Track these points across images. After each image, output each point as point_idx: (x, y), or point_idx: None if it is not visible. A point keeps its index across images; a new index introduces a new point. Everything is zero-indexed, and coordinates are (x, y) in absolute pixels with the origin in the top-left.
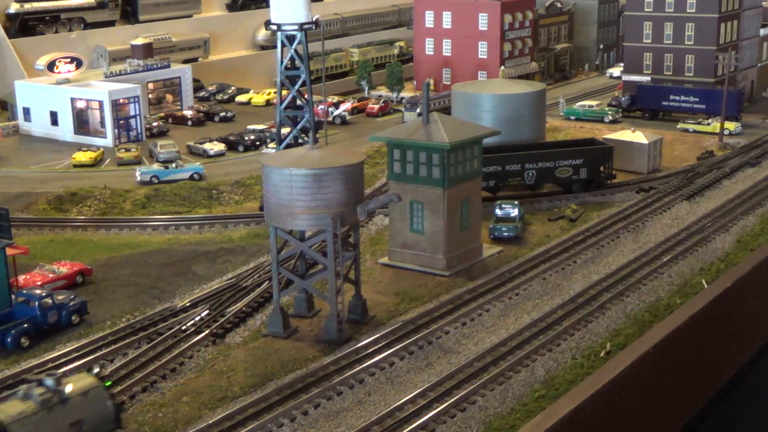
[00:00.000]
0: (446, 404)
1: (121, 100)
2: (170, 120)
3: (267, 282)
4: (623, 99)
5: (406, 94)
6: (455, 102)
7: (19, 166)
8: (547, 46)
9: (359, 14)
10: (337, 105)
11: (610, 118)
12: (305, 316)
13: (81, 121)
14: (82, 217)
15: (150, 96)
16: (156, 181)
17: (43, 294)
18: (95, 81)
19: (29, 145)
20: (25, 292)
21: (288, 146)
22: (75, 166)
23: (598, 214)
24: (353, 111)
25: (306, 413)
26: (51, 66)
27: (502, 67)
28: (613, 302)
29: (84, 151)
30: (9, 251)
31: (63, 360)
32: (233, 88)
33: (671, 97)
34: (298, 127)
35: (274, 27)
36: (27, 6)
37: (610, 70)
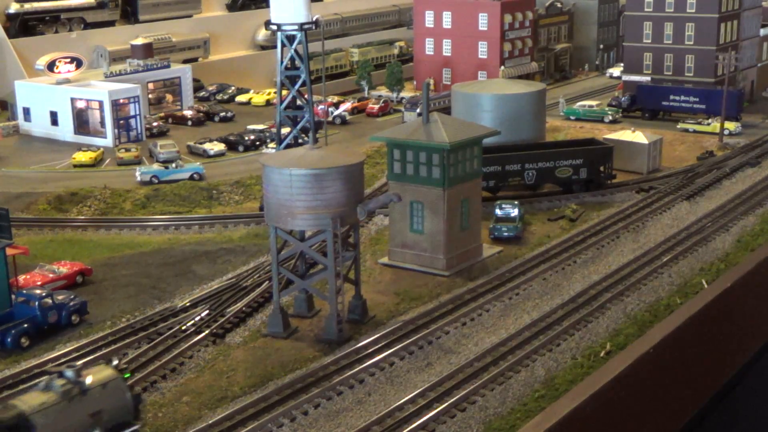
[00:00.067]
0: (446, 404)
1: (121, 100)
2: (170, 120)
3: (267, 282)
4: (623, 99)
5: (406, 94)
6: (455, 102)
7: (19, 166)
8: (547, 46)
9: (359, 14)
10: (337, 105)
11: (610, 118)
12: (305, 316)
13: (81, 121)
14: (82, 217)
15: (150, 96)
16: (156, 181)
17: (43, 294)
18: (95, 81)
19: (29, 145)
20: (25, 292)
21: (288, 146)
22: (75, 166)
23: (598, 214)
24: (353, 111)
25: (306, 413)
26: (51, 66)
27: (502, 67)
28: (613, 302)
29: (84, 151)
30: (9, 251)
31: (63, 360)
32: (233, 88)
33: (671, 97)
34: (298, 127)
35: (274, 27)
36: (27, 6)
37: (610, 70)
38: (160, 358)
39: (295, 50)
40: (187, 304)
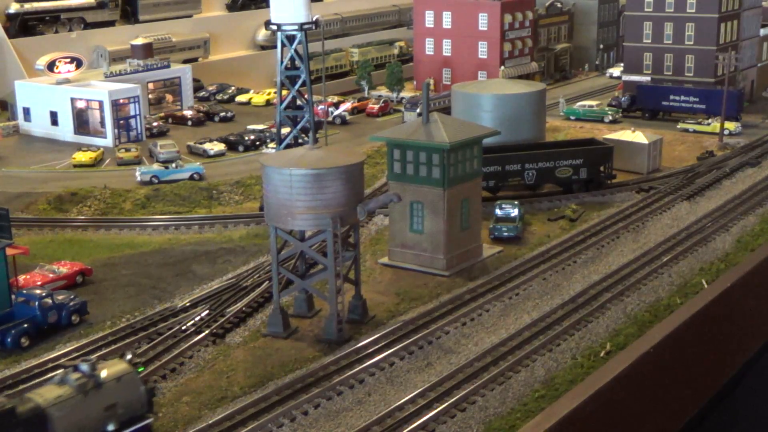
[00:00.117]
0: (446, 404)
1: (121, 100)
2: (170, 120)
3: (267, 282)
4: (623, 99)
5: (406, 94)
6: (455, 102)
7: (19, 166)
8: (547, 46)
9: (359, 14)
10: (337, 105)
11: (610, 118)
12: (305, 316)
13: (81, 121)
14: (82, 217)
15: (150, 96)
16: (156, 181)
17: (43, 294)
18: (95, 81)
19: (29, 145)
20: (25, 292)
21: (288, 146)
22: (75, 166)
23: (598, 214)
24: (353, 111)
25: (306, 413)
26: (51, 66)
27: (502, 67)
28: (613, 302)
29: (84, 151)
30: (9, 251)
31: (63, 360)
32: (233, 88)
33: (671, 97)
34: (298, 127)
35: (274, 27)
36: (27, 6)
37: (610, 70)
38: (159, 358)
39: (295, 50)
40: (187, 304)
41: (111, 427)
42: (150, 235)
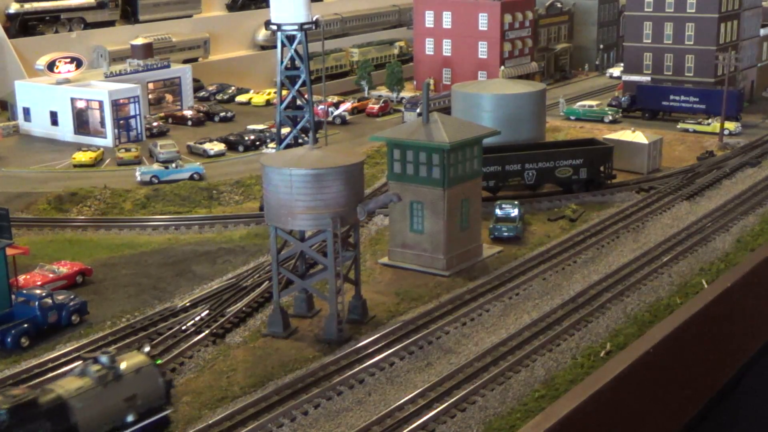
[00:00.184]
0: (446, 404)
1: (121, 100)
2: (170, 120)
3: (267, 282)
4: (623, 99)
5: (406, 94)
6: (455, 102)
7: (19, 166)
8: (547, 46)
9: (359, 14)
10: (337, 105)
11: (610, 118)
12: (305, 316)
13: (81, 121)
14: (82, 217)
15: (150, 96)
16: (156, 181)
17: (43, 294)
18: (95, 81)
19: (29, 145)
20: (25, 292)
21: (288, 146)
22: (75, 166)
23: (598, 214)
24: (353, 111)
25: (306, 413)
26: (51, 66)
27: (502, 67)
28: (613, 302)
29: (84, 151)
30: (9, 251)
31: (63, 360)
32: (233, 88)
33: (671, 97)
34: (298, 127)
35: (274, 27)
36: (27, 6)
37: (610, 70)
38: (160, 358)
39: (295, 50)
40: (187, 304)
41: (130, 418)
42: (150, 235)
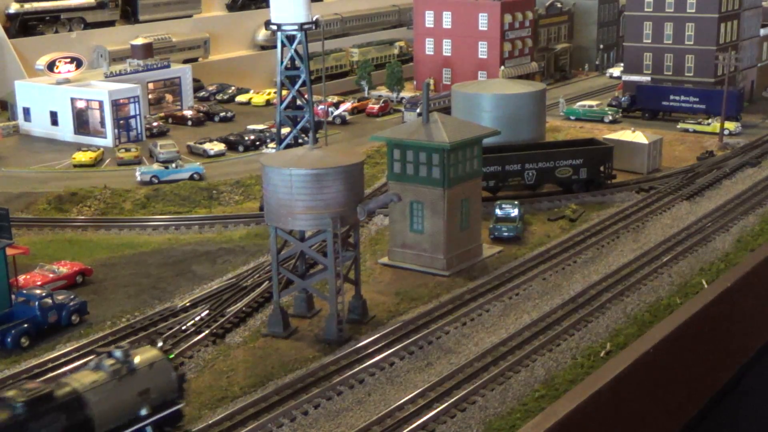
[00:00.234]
0: (446, 404)
1: (121, 100)
2: (170, 120)
3: (267, 282)
4: (623, 99)
5: (406, 94)
6: (455, 102)
7: (19, 166)
8: (547, 46)
9: (359, 14)
10: (337, 105)
11: (610, 118)
12: (305, 316)
13: (81, 121)
14: (82, 217)
15: (150, 96)
16: (156, 181)
17: (43, 294)
18: (95, 81)
19: (29, 145)
20: (25, 292)
21: (288, 146)
22: (75, 166)
23: (598, 214)
24: (353, 111)
25: (306, 413)
26: (51, 66)
27: (502, 67)
28: (613, 302)
29: (84, 151)
30: (9, 251)
31: (63, 360)
32: (233, 88)
33: (671, 97)
34: (298, 127)
35: (274, 27)
36: (27, 6)
37: (610, 70)
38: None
39: (295, 50)
40: (187, 304)
41: (144, 412)
42: (150, 235)
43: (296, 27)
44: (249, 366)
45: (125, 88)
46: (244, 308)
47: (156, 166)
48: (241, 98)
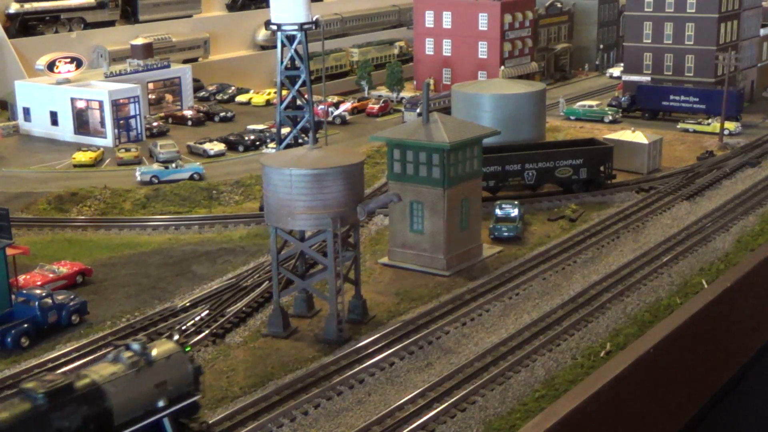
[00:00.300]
0: (446, 404)
1: (121, 100)
2: (170, 120)
3: (267, 282)
4: (623, 99)
5: (406, 94)
6: (455, 102)
7: (19, 166)
8: (547, 46)
9: (359, 14)
10: (337, 105)
11: (610, 118)
12: (305, 316)
13: (81, 121)
14: (82, 217)
15: (150, 96)
16: (156, 181)
17: (43, 294)
18: (95, 81)
19: (29, 145)
20: (25, 292)
21: (288, 146)
22: (75, 166)
23: (598, 214)
24: (353, 111)
25: (306, 413)
26: (51, 66)
27: (502, 67)
28: (613, 302)
29: (84, 151)
30: (9, 251)
31: (63, 360)
32: (233, 88)
33: (671, 97)
34: (298, 127)
35: (274, 27)
36: (27, 6)
37: (610, 70)
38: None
39: (295, 50)
40: (187, 304)
41: (161, 403)
42: (150, 235)
43: (296, 27)
44: (249, 366)
45: (125, 88)
46: (244, 308)
47: (156, 166)
48: (241, 98)
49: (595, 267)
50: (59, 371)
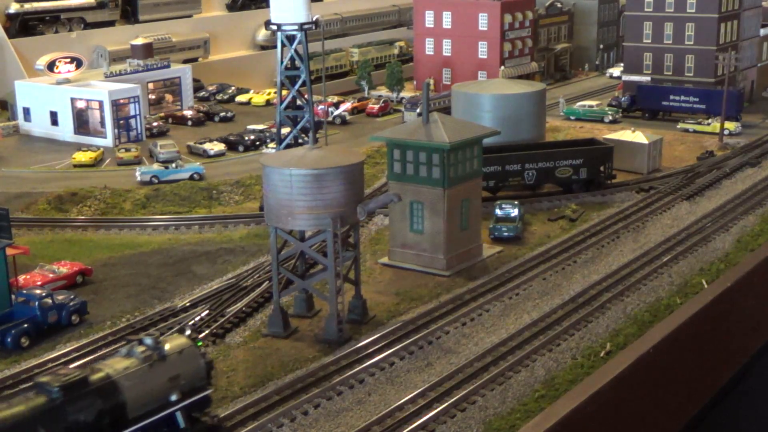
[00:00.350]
0: (446, 404)
1: (121, 100)
2: (170, 120)
3: (267, 282)
4: (623, 99)
5: (406, 94)
6: (455, 102)
7: (19, 166)
8: (547, 46)
9: (359, 14)
10: (337, 105)
11: (610, 118)
12: (305, 316)
13: (81, 121)
14: (82, 217)
15: (150, 96)
16: (156, 181)
17: (43, 294)
18: (95, 81)
19: (29, 145)
20: (25, 292)
21: (288, 146)
22: (75, 166)
23: (598, 214)
24: (353, 111)
25: (306, 413)
26: (51, 66)
27: (502, 67)
28: (613, 302)
29: (84, 151)
30: (9, 251)
31: (63, 360)
32: (233, 88)
33: (671, 97)
34: (298, 127)
35: (274, 27)
36: (27, 6)
37: (610, 70)
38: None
39: (295, 50)
40: (187, 304)
41: (174, 397)
42: (150, 235)
43: (296, 27)
44: (249, 366)
45: (125, 88)
46: (244, 308)
47: (156, 166)
48: (241, 98)
49: (595, 267)
50: (72, 365)
